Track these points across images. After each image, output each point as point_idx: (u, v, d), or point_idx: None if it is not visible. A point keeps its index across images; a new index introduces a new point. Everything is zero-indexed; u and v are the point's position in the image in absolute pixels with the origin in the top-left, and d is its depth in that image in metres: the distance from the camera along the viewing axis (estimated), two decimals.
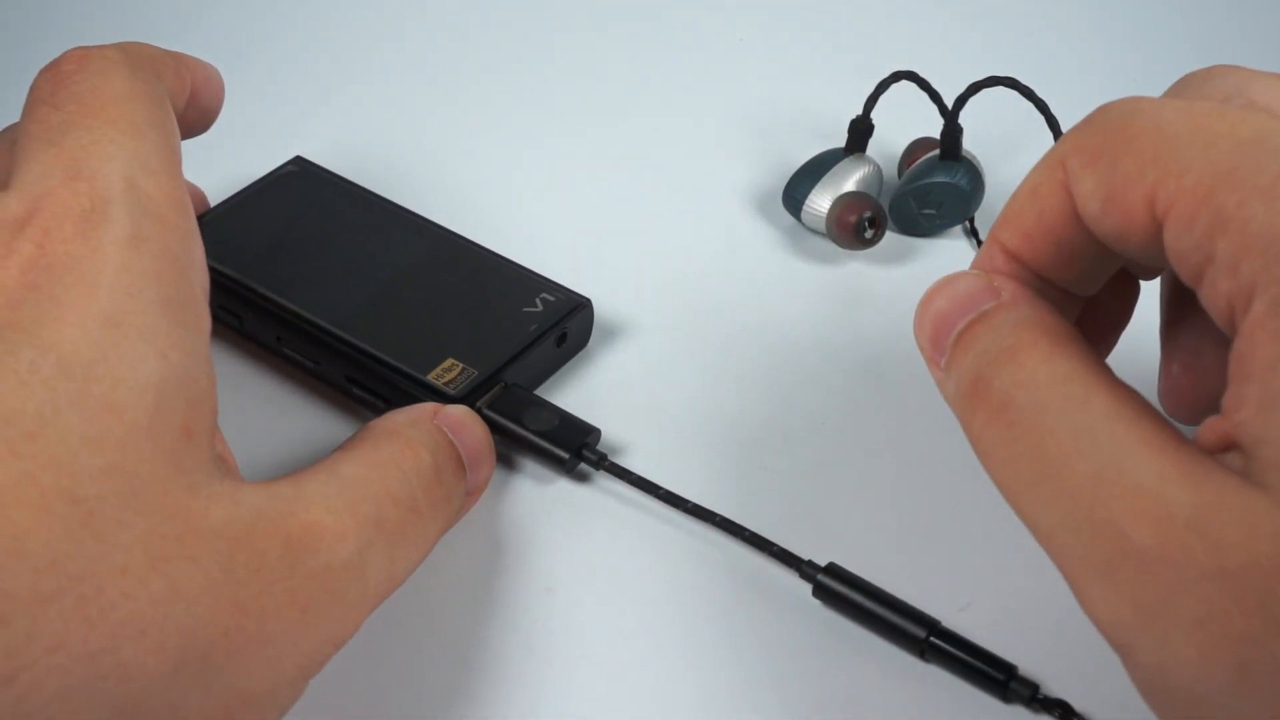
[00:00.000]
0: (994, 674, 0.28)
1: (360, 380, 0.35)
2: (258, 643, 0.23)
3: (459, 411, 0.31)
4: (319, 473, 0.26)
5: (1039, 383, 0.23)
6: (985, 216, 0.43)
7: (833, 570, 0.30)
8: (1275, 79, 0.25)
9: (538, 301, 0.36)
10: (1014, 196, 0.26)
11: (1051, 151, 0.25)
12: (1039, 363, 0.23)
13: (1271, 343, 0.20)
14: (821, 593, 0.30)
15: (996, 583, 0.31)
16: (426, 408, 0.31)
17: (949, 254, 0.42)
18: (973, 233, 0.42)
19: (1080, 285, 0.26)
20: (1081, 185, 0.24)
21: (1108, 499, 0.21)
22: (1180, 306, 0.28)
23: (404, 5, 0.54)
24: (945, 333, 0.26)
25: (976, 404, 0.24)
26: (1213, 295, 0.22)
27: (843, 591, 0.30)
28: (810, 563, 0.30)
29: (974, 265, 0.27)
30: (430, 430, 0.30)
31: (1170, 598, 0.20)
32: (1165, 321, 0.28)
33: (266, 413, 0.35)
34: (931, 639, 0.29)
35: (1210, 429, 0.21)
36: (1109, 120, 0.24)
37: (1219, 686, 0.20)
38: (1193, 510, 0.20)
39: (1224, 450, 0.21)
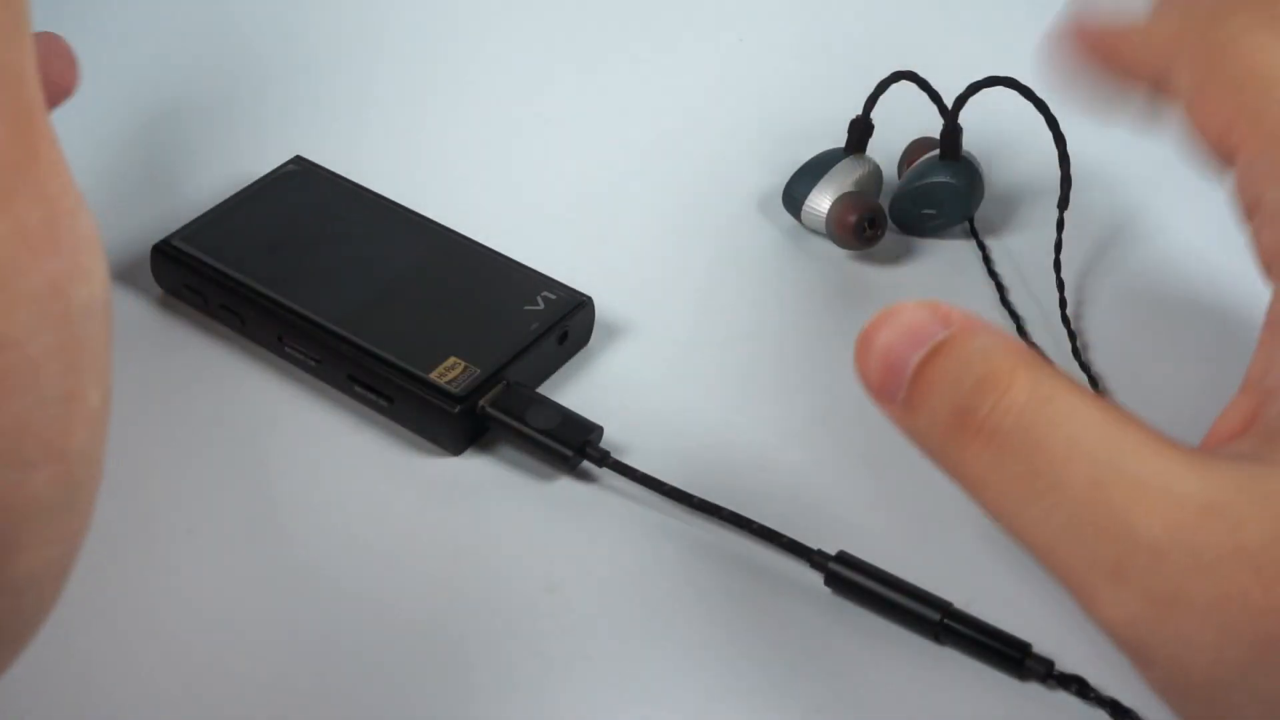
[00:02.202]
0: (1009, 652, 0.29)
1: (362, 379, 0.35)
2: None
3: None
4: None
5: (1023, 405, 0.23)
6: (985, 216, 0.43)
7: (844, 558, 0.30)
8: None
9: (539, 300, 0.36)
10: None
11: (1187, 13, 0.26)
12: (1019, 386, 0.23)
13: None
14: (834, 581, 0.30)
15: (998, 575, 0.31)
16: None
17: (949, 254, 0.42)
18: (973, 233, 0.42)
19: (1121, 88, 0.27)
20: (1180, 77, 0.25)
21: (1110, 499, 0.21)
22: None
23: (404, 5, 0.54)
24: (898, 368, 0.24)
25: (961, 437, 0.24)
26: (1258, 242, 0.22)
27: (855, 579, 0.30)
28: (820, 552, 0.31)
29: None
30: None
31: (1186, 584, 0.20)
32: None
33: (268, 412, 0.36)
34: (946, 621, 0.29)
35: (1231, 410, 0.21)
36: (1218, 32, 0.25)
37: (1240, 666, 0.20)
38: (1203, 496, 0.20)
39: (1242, 433, 0.21)
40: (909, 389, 0.24)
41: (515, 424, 0.33)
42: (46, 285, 0.18)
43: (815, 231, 0.42)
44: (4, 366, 0.18)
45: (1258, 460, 0.20)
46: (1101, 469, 0.21)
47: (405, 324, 0.35)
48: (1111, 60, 0.27)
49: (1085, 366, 0.37)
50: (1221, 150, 0.24)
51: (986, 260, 0.42)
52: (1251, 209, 0.22)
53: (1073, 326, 0.39)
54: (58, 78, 0.27)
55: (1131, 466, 0.21)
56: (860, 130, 0.42)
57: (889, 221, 0.42)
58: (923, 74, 0.41)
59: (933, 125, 0.42)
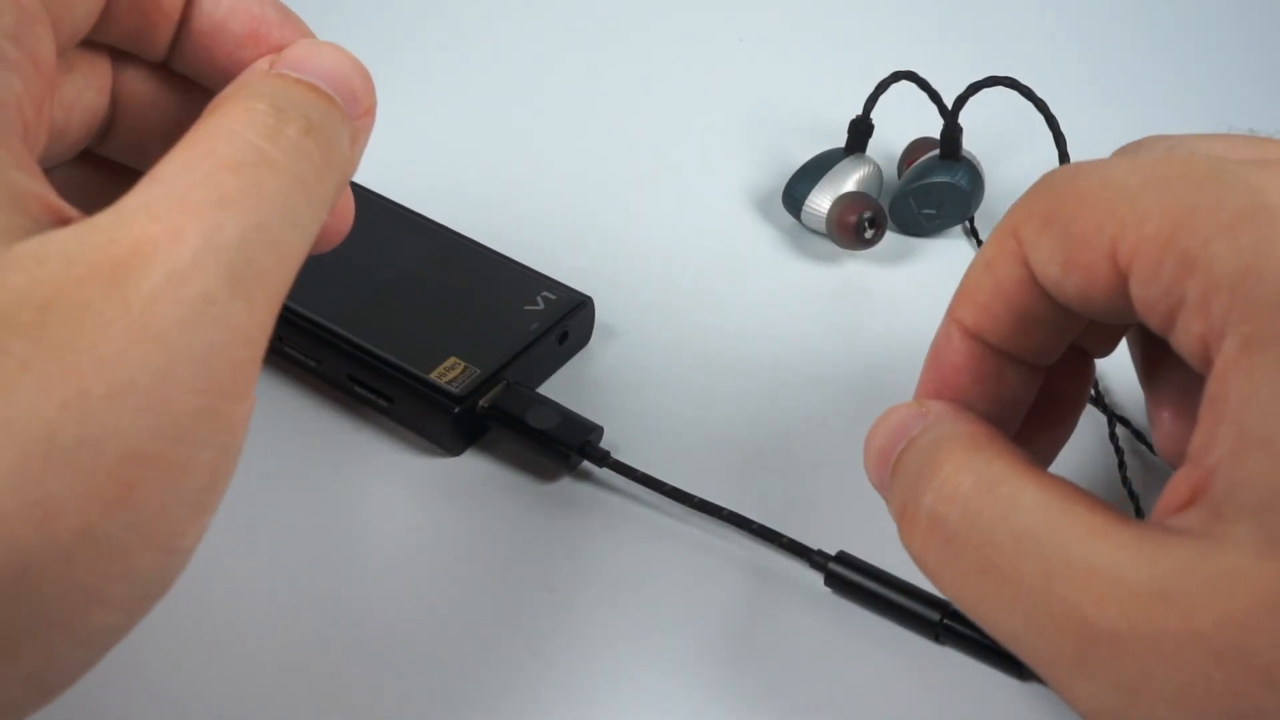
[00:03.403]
0: (1009, 652, 0.29)
1: (362, 379, 0.35)
2: (111, 399, 0.19)
3: (298, 47, 0.25)
4: (139, 185, 0.21)
5: (965, 494, 0.23)
6: (985, 216, 0.43)
7: (844, 558, 0.30)
8: (1211, 136, 0.25)
9: (539, 300, 0.36)
10: (968, 272, 0.26)
11: (1002, 223, 0.25)
12: (960, 473, 0.23)
13: (1244, 381, 0.20)
14: (834, 581, 0.30)
15: None
16: (258, 64, 0.25)
17: (949, 254, 0.42)
18: (972, 232, 0.43)
19: (1040, 355, 0.26)
20: (1037, 251, 0.24)
21: (1063, 591, 0.21)
22: (1156, 355, 0.27)
23: (403, 5, 0.54)
24: (885, 466, 0.26)
25: (910, 528, 0.24)
26: (1186, 339, 0.22)
27: (855, 579, 0.30)
28: (820, 552, 0.31)
29: (933, 346, 0.27)
30: (261, 80, 0.24)
31: (1149, 672, 0.20)
32: (1144, 374, 0.28)
33: (268, 413, 0.35)
34: (946, 621, 0.29)
35: (1179, 480, 0.21)
36: (1056, 184, 0.24)
37: None
38: (1154, 583, 0.20)
39: (1189, 505, 0.21)
40: (889, 484, 0.26)
41: (515, 424, 0.33)
42: (229, 418, 0.21)
43: (815, 231, 0.42)
44: (175, 458, 0.20)
45: (1205, 537, 0.20)
46: (1051, 561, 0.21)
47: (405, 324, 0.35)
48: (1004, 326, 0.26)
49: None
50: (1105, 283, 0.23)
51: None
52: (1170, 315, 0.22)
53: None
54: (328, 235, 0.28)
55: (1080, 554, 0.21)
56: (860, 130, 0.42)
57: (889, 221, 0.42)
58: (923, 74, 0.41)
59: (933, 125, 0.42)
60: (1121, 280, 0.22)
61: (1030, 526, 0.22)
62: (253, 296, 0.21)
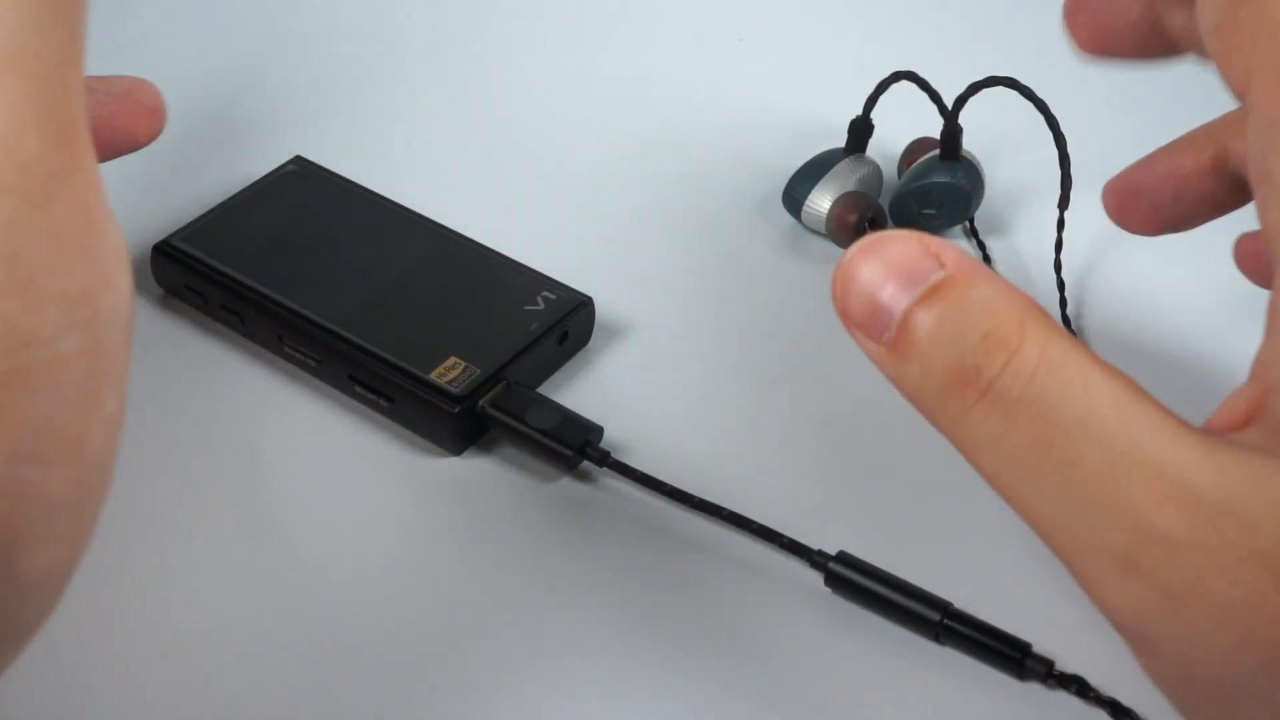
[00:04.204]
0: (1009, 652, 0.29)
1: (362, 379, 0.35)
2: None
3: None
4: None
5: (1033, 369, 0.21)
6: (985, 216, 0.43)
7: (844, 558, 0.30)
8: None
9: (539, 300, 0.36)
10: None
11: None
12: (1028, 348, 0.22)
13: None
14: (834, 581, 0.30)
15: (999, 571, 0.31)
16: None
17: None
18: (973, 232, 0.43)
19: (1130, 49, 0.26)
20: (1203, 8, 0.23)
21: (1127, 485, 0.20)
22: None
23: (403, 5, 0.54)
24: (887, 308, 0.23)
25: (964, 395, 0.22)
26: (1264, 217, 0.21)
27: (855, 579, 0.30)
28: (820, 552, 0.31)
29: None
30: None
31: (1200, 583, 0.19)
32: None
33: (268, 413, 0.36)
34: (945, 621, 0.29)
35: (1237, 397, 0.20)
36: None
37: (1252, 671, 0.19)
38: (1221, 492, 0.19)
39: (1246, 424, 0.20)
40: (899, 332, 0.23)
41: (515, 424, 0.33)
42: (77, 290, 0.18)
43: (815, 231, 0.42)
44: (31, 363, 0.18)
45: (1267, 454, 0.19)
46: (1117, 451, 0.20)
47: (405, 324, 0.35)
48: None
49: None
50: (1242, 99, 0.22)
51: (986, 260, 0.42)
52: (1260, 179, 0.21)
53: (1073, 326, 0.39)
54: (133, 125, 0.26)
55: (1148, 451, 0.20)
56: (860, 130, 0.42)
57: (889, 221, 0.42)
58: (923, 74, 0.41)
59: (933, 125, 0.42)
60: (1246, 102, 0.22)
61: (1098, 412, 0.21)
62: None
